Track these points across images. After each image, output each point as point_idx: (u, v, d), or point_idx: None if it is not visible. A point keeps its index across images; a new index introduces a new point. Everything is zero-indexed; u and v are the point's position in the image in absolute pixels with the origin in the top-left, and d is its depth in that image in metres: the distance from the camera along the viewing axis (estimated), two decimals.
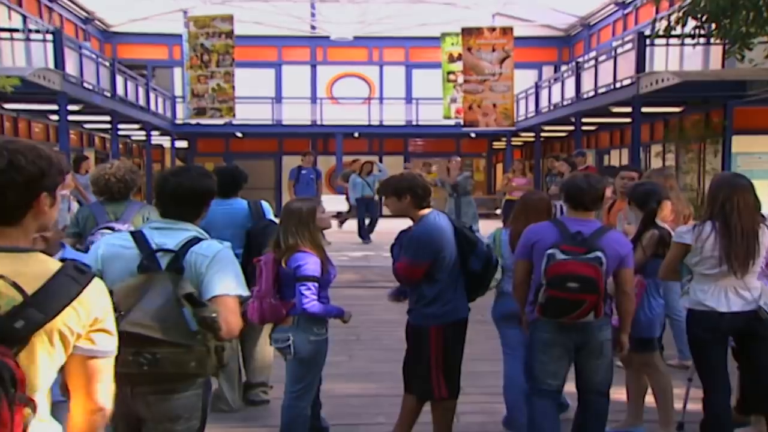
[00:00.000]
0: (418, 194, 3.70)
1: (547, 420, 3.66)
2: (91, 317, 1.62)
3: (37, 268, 1.59)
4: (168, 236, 2.61)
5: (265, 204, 4.75)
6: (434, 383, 3.81)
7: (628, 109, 12.90)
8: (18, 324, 1.52)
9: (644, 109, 12.54)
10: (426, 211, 3.76)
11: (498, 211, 20.39)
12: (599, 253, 3.40)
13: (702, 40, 10.70)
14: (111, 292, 1.79)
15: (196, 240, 2.59)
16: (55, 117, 13.56)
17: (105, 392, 1.70)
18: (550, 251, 3.44)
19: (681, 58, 13.52)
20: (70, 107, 12.72)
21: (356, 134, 22.29)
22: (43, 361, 1.57)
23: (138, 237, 2.62)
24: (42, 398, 1.61)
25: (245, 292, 2.60)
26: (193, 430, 2.62)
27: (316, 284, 3.54)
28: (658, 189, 4.30)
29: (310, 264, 3.53)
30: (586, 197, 3.60)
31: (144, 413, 2.56)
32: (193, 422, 2.61)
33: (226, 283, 2.51)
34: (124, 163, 4.46)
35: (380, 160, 23.02)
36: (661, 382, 4.19)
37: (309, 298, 3.51)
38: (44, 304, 1.54)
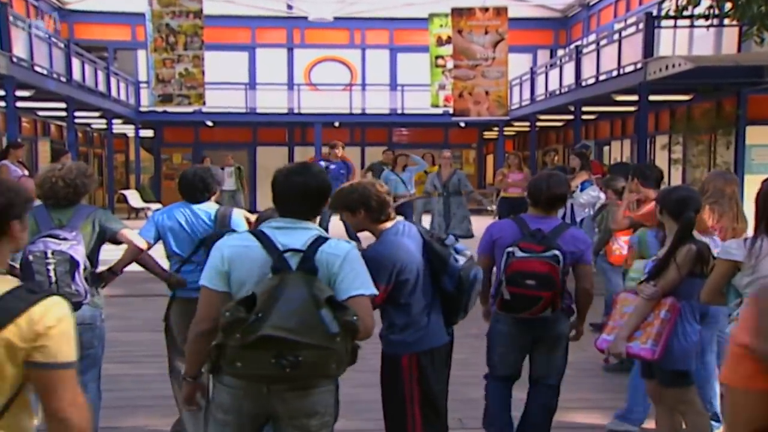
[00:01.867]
0: (371, 207, 3.38)
1: (497, 401, 4.15)
2: (33, 334, 1.83)
3: None
4: (291, 236, 2.71)
5: (235, 214, 4.45)
6: (409, 421, 3.47)
7: (634, 98, 12.65)
8: None
9: (651, 97, 12.28)
10: (388, 224, 3.42)
11: (489, 208, 20.28)
12: (556, 252, 3.73)
13: (716, 21, 10.48)
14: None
15: (322, 239, 2.70)
16: (2, 104, 13.16)
17: (63, 403, 1.87)
18: (509, 249, 3.79)
19: (690, 42, 13.29)
20: (20, 93, 12.36)
21: (336, 123, 22.26)
22: None
23: (261, 236, 2.71)
24: (10, 410, 1.87)
25: (376, 291, 2.75)
26: (327, 426, 2.75)
27: None
28: (696, 195, 3.93)
29: None
30: (543, 197, 3.93)
31: (279, 409, 2.67)
32: (327, 418, 2.74)
33: (360, 283, 2.66)
34: (77, 165, 4.17)
35: (362, 151, 23.18)
36: (698, 423, 3.85)
37: None
38: None
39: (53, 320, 1.87)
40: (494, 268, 4.05)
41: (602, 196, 10.25)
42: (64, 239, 3.66)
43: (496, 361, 4.12)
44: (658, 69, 11.20)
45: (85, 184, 4.05)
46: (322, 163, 12.06)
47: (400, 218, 3.53)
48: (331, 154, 11.92)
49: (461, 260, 3.45)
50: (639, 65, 11.89)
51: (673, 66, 10.76)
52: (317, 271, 2.62)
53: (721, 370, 1.29)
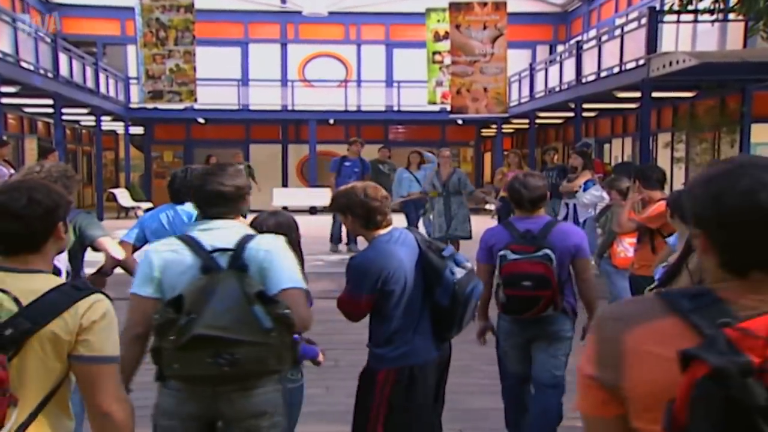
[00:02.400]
0: (356, 214, 3.35)
1: (511, 400, 4.24)
2: (77, 326, 1.96)
3: (39, 285, 1.98)
4: (217, 236, 2.78)
5: None
6: None
7: (636, 94, 12.60)
8: (7, 332, 1.90)
9: (654, 94, 12.24)
10: (381, 231, 3.37)
11: (488, 207, 20.16)
12: (547, 251, 3.82)
13: (720, 16, 10.40)
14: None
15: (249, 236, 2.78)
16: None
17: (108, 397, 2.00)
18: (501, 252, 3.89)
19: (693, 37, 13.23)
20: (5, 89, 12.22)
21: (331, 121, 22.11)
22: (35, 365, 1.94)
23: (188, 240, 2.79)
24: (51, 403, 1.99)
25: (305, 285, 2.79)
26: (278, 426, 2.77)
27: None
28: None
29: None
30: (524, 198, 4.02)
31: (226, 411, 2.72)
32: (278, 418, 2.77)
33: (289, 276, 2.71)
34: (56, 166, 4.09)
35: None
36: None
37: None
38: (34, 315, 1.92)
39: (97, 315, 2.00)
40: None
41: (605, 195, 10.19)
42: None
43: (504, 357, 4.22)
44: (661, 65, 11.11)
45: (67, 185, 3.95)
46: (338, 161, 11.99)
47: (396, 226, 3.44)
48: (349, 150, 11.76)
49: (459, 273, 3.33)
50: (641, 61, 11.83)
51: (677, 62, 10.65)
52: (248, 268, 2.69)
53: (576, 400, 1.31)
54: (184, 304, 2.51)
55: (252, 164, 16.14)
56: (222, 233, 2.79)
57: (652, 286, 3.71)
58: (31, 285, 1.99)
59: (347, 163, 11.65)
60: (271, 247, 2.76)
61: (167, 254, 2.77)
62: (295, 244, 3.21)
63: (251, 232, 2.85)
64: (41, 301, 1.96)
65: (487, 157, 25.20)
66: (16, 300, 1.94)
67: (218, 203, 2.86)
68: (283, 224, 3.40)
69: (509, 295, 3.86)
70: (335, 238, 12.25)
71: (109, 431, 2.03)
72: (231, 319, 2.50)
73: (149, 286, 2.72)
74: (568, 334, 4.06)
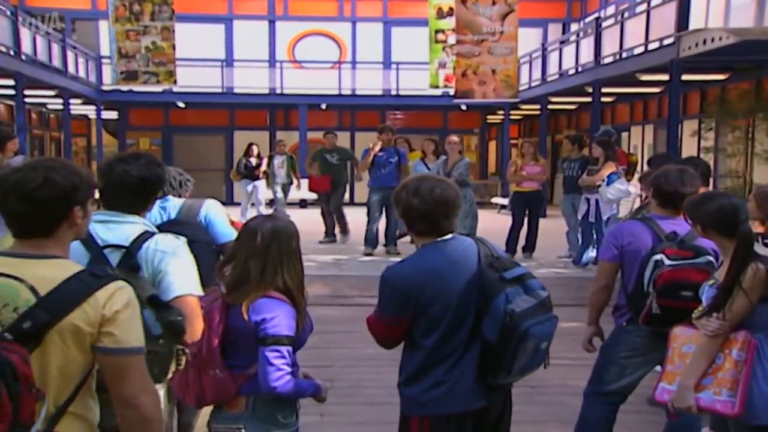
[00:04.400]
0: (407, 215, 3.06)
1: (601, 423, 4.06)
2: (99, 317, 2.04)
3: (56, 273, 2.05)
4: (113, 230, 2.81)
5: (208, 207, 4.05)
6: None
7: (663, 77, 12.43)
8: (26, 325, 1.98)
9: (683, 77, 12.00)
10: (430, 239, 3.05)
11: (494, 201, 19.89)
12: (710, 258, 3.68)
13: None
14: None
15: (148, 234, 2.78)
16: None
17: (133, 389, 2.08)
18: (656, 257, 3.71)
19: (726, 12, 12.97)
20: None
21: (323, 106, 22.15)
22: (57, 358, 2.03)
23: None
24: (78, 394, 2.09)
25: (202, 293, 2.85)
26: None
27: (290, 348, 2.99)
28: (738, 202, 3.50)
29: (283, 317, 2.97)
30: (678, 195, 3.87)
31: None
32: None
33: (187, 282, 2.76)
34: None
35: (352, 137, 22.82)
36: None
37: (281, 372, 2.93)
38: (52, 306, 2.00)
39: (120, 305, 2.05)
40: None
41: (632, 190, 9.77)
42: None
43: (613, 374, 4.05)
44: (693, 44, 10.85)
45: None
46: (365, 150, 11.47)
47: (459, 234, 3.08)
48: (379, 137, 11.24)
49: (523, 303, 2.86)
50: (670, 40, 11.60)
51: (712, 40, 10.39)
52: (139, 269, 2.73)
53: None
54: None
55: (294, 156, 15.40)
56: (118, 228, 2.80)
57: (700, 311, 3.39)
58: (47, 272, 2.03)
59: (380, 153, 11.09)
60: (168, 249, 2.78)
61: None
62: (294, 253, 3.07)
63: (151, 229, 2.86)
64: (59, 291, 2.00)
65: (492, 146, 25.00)
66: (32, 289, 1.99)
67: (118, 193, 2.88)
68: (281, 231, 3.06)
69: (664, 305, 3.70)
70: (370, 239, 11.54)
71: (136, 422, 2.09)
72: None
73: None
74: None
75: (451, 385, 2.94)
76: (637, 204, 8.34)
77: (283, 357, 2.93)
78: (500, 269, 2.92)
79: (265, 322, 2.95)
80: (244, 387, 3.00)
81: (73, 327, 2.00)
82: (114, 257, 2.73)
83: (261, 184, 14.21)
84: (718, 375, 3.27)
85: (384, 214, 11.14)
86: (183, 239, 2.89)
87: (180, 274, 2.76)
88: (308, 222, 12.79)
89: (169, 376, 2.81)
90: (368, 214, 11.24)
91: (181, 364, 2.78)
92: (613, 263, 3.96)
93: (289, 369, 2.97)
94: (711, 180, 5.80)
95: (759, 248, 3.36)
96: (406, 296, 2.92)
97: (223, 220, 4.05)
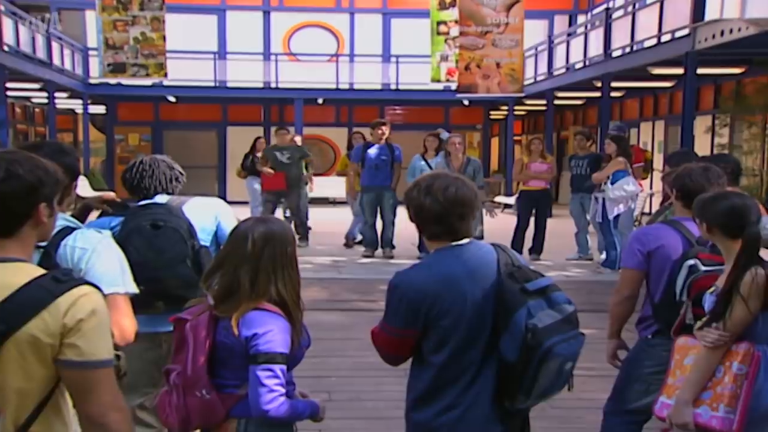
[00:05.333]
0: (419, 216, 2.86)
1: None
2: (61, 327, 1.91)
3: (15, 279, 1.93)
4: None
5: (220, 211, 3.96)
6: None
7: (677, 71, 12.41)
8: None
9: (699, 70, 11.91)
10: (443, 243, 2.84)
11: (497, 200, 19.77)
12: None
13: None
14: None
15: (67, 230, 2.69)
16: None
17: (101, 406, 1.98)
18: (690, 262, 3.53)
19: (743, 3, 12.76)
20: None
21: (320, 100, 22.23)
22: (14, 373, 1.91)
23: None
24: (42, 413, 1.96)
25: (132, 290, 2.75)
26: None
27: (284, 367, 2.84)
28: (750, 202, 3.36)
29: (276, 332, 2.82)
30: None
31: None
32: None
33: (112, 280, 2.65)
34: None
35: (349, 132, 22.74)
36: None
37: (274, 393, 2.79)
38: (7, 315, 1.89)
39: (84, 313, 1.93)
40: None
41: (633, 188, 9.63)
42: None
43: (637, 392, 3.84)
44: (710, 35, 10.77)
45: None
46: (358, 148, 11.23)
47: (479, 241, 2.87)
48: (373, 134, 11.05)
49: (546, 318, 2.63)
50: (684, 31, 11.51)
51: (730, 31, 10.36)
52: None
53: None
54: None
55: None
56: None
57: (703, 321, 3.28)
58: (5, 278, 1.93)
59: (372, 151, 10.85)
60: (88, 245, 2.67)
61: None
62: (289, 260, 2.93)
63: (74, 224, 2.77)
64: (15, 298, 1.90)
65: (495, 142, 24.95)
66: None
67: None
68: (275, 235, 2.90)
69: (697, 314, 3.45)
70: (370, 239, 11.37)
71: None
72: None
73: None
74: None
75: (463, 409, 2.74)
76: (647, 202, 8.17)
77: (276, 377, 2.77)
78: (522, 280, 2.70)
79: (256, 338, 2.80)
80: (235, 409, 2.87)
81: (31, 338, 1.89)
82: (33, 259, 2.58)
83: None
84: (717, 389, 3.20)
85: (379, 215, 10.98)
86: (107, 233, 2.79)
87: (103, 271, 2.63)
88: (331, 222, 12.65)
89: None
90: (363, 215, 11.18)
91: (121, 372, 2.62)
92: (639, 271, 3.79)
93: (282, 390, 2.83)
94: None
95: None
96: (416, 307, 2.71)
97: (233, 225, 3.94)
